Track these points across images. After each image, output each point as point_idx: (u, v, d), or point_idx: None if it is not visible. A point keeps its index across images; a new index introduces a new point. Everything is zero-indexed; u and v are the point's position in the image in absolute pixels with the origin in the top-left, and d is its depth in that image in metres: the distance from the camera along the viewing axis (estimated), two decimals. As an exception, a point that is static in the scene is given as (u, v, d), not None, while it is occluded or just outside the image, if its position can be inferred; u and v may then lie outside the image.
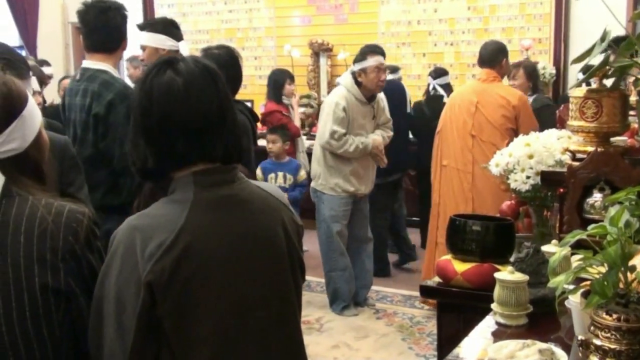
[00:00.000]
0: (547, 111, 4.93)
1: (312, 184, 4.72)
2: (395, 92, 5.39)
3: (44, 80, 4.21)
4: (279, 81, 5.92)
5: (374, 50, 4.57)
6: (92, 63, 2.96)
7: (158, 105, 1.35)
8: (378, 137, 4.61)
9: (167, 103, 1.35)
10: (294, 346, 1.50)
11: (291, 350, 1.48)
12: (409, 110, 5.78)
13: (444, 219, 4.16)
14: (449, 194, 4.44)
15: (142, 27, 3.46)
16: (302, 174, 5.31)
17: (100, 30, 2.94)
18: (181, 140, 1.36)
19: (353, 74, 4.52)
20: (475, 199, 4.29)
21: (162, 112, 1.35)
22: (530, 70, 5.24)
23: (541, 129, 4.82)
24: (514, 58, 6.75)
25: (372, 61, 4.46)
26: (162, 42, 3.37)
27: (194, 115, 1.36)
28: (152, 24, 3.51)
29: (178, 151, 1.36)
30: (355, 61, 4.53)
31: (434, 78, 5.76)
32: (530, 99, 5.00)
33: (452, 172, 4.40)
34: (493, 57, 4.41)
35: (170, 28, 3.42)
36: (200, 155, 1.38)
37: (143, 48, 3.38)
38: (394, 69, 5.97)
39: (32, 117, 1.41)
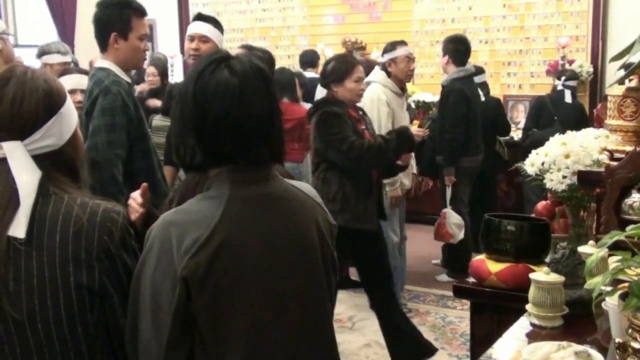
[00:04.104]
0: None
1: None
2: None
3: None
4: None
5: (403, 41, 4.66)
6: (98, 62, 2.87)
7: (214, 105, 1.35)
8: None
9: (223, 103, 1.35)
10: (327, 344, 1.50)
11: (324, 347, 1.49)
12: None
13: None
14: None
15: (206, 19, 3.37)
16: None
17: (94, 27, 2.85)
18: (231, 141, 1.36)
19: (383, 65, 4.50)
20: None
21: (217, 112, 1.35)
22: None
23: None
24: (550, 56, 6.71)
25: (402, 51, 4.51)
26: (222, 41, 3.34)
27: (247, 117, 1.36)
28: (216, 20, 3.43)
29: (226, 151, 1.37)
30: (385, 52, 4.58)
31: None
32: None
33: None
34: None
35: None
36: (247, 156, 1.38)
37: (205, 39, 3.30)
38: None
39: (70, 115, 1.44)
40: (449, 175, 5.02)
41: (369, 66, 5.20)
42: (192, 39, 3.34)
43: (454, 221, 4.94)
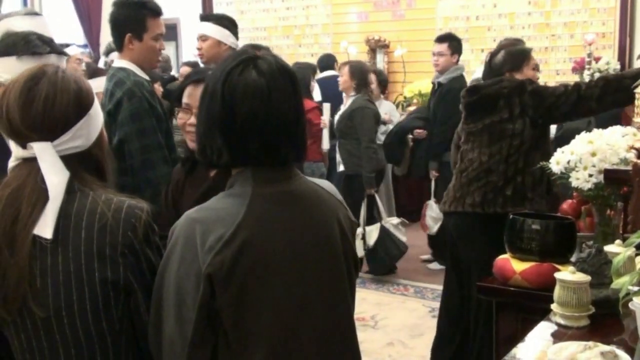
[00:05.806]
0: (361, 113, 5.12)
1: None
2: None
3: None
4: None
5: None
6: (116, 61, 2.90)
7: (243, 106, 1.35)
8: None
9: (251, 104, 1.35)
10: (348, 341, 1.50)
11: (345, 345, 1.49)
12: None
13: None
14: None
15: (206, 18, 3.44)
16: None
17: (110, 26, 2.88)
18: (259, 141, 1.36)
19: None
20: None
21: (245, 113, 1.35)
22: (354, 70, 5.27)
23: (357, 131, 5.05)
24: (576, 54, 6.63)
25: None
26: (226, 37, 3.38)
27: (274, 118, 1.36)
28: (218, 17, 3.50)
29: (253, 151, 1.37)
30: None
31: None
32: (350, 100, 5.26)
33: None
34: None
35: (233, 26, 3.46)
36: (273, 156, 1.39)
37: (204, 38, 3.36)
38: None
39: (97, 116, 1.46)
40: (432, 169, 5.26)
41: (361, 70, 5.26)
42: (197, 40, 3.46)
43: (431, 214, 5.21)
